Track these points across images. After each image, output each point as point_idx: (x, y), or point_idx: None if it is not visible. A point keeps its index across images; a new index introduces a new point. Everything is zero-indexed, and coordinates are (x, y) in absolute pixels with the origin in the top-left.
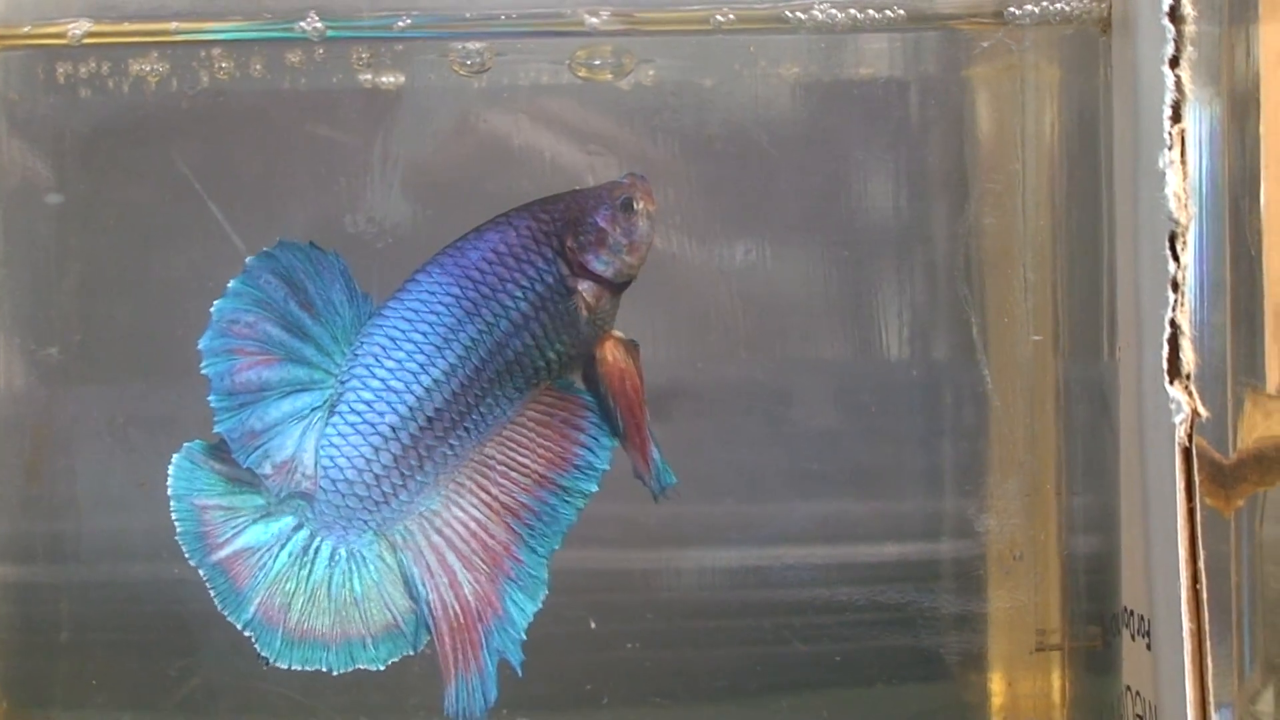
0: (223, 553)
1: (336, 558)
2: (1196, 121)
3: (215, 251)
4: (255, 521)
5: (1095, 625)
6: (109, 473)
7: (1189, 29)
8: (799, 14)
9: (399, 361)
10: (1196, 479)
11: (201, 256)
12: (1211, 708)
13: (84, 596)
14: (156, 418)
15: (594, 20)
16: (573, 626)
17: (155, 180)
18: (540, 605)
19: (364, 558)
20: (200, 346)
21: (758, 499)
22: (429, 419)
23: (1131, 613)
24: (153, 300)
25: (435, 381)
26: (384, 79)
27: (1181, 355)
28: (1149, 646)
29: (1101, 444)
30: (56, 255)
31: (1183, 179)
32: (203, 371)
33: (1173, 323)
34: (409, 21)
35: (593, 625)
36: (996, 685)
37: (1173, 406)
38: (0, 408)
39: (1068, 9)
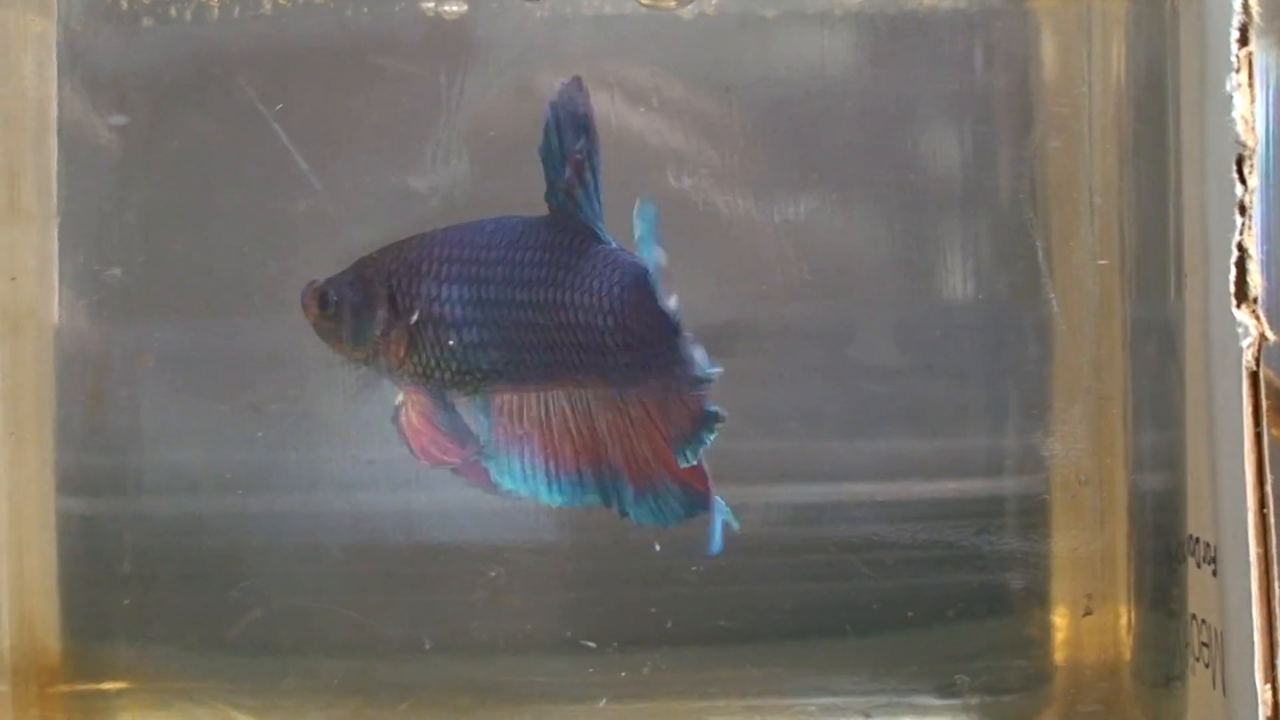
0: None
1: None
2: (1264, 47)
3: (278, 182)
4: None
5: (1162, 564)
6: (171, 404)
7: None
8: None
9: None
10: (1264, 402)
11: (264, 187)
12: (1279, 634)
13: (145, 529)
14: (218, 348)
15: None
16: (639, 559)
17: (217, 109)
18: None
19: None
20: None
21: (822, 434)
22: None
23: (1197, 540)
24: (215, 231)
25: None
26: (447, 7)
27: (1248, 279)
28: (1215, 574)
29: (1167, 377)
30: (119, 184)
31: (1250, 102)
32: None
33: (1240, 246)
34: None
35: (657, 548)
36: (1060, 619)
37: (1239, 330)
38: (63, 340)
39: None
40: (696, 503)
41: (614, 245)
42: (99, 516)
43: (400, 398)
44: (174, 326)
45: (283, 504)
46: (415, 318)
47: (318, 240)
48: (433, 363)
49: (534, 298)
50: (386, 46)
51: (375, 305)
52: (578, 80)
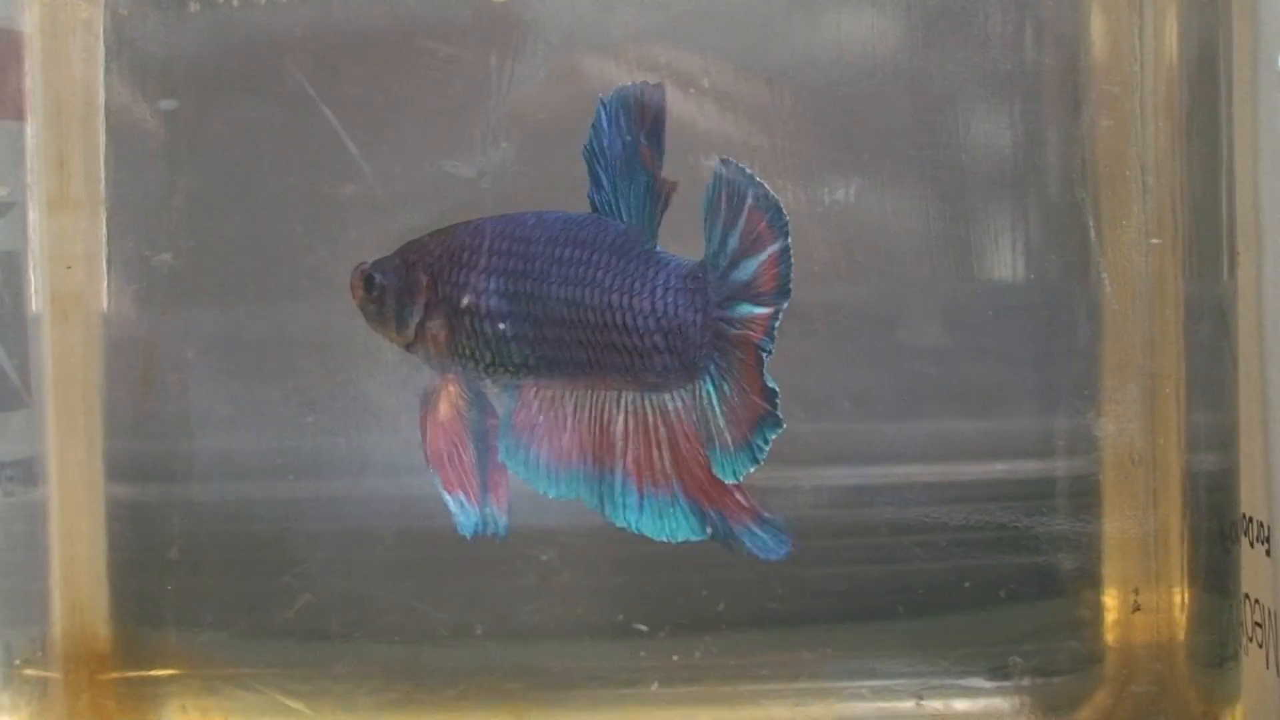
0: None
1: None
2: None
3: (326, 167)
4: None
5: (1216, 544)
6: (220, 390)
7: None
8: None
9: None
10: None
11: (313, 172)
12: None
13: (195, 515)
14: (267, 333)
15: None
16: (691, 543)
17: (264, 94)
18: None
19: None
20: None
21: (873, 416)
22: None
23: (1251, 520)
24: (263, 216)
25: None
26: None
27: None
28: (1269, 553)
29: (1220, 356)
30: (167, 170)
31: None
32: None
33: None
34: None
35: (709, 531)
36: (1112, 600)
37: None
38: (112, 326)
39: None
40: (704, 525)
41: (659, 248)
42: (148, 503)
43: (436, 382)
44: (223, 312)
45: (332, 489)
46: (465, 302)
47: (367, 224)
48: (469, 352)
49: (572, 295)
50: (434, 30)
51: (417, 291)
52: (660, 87)
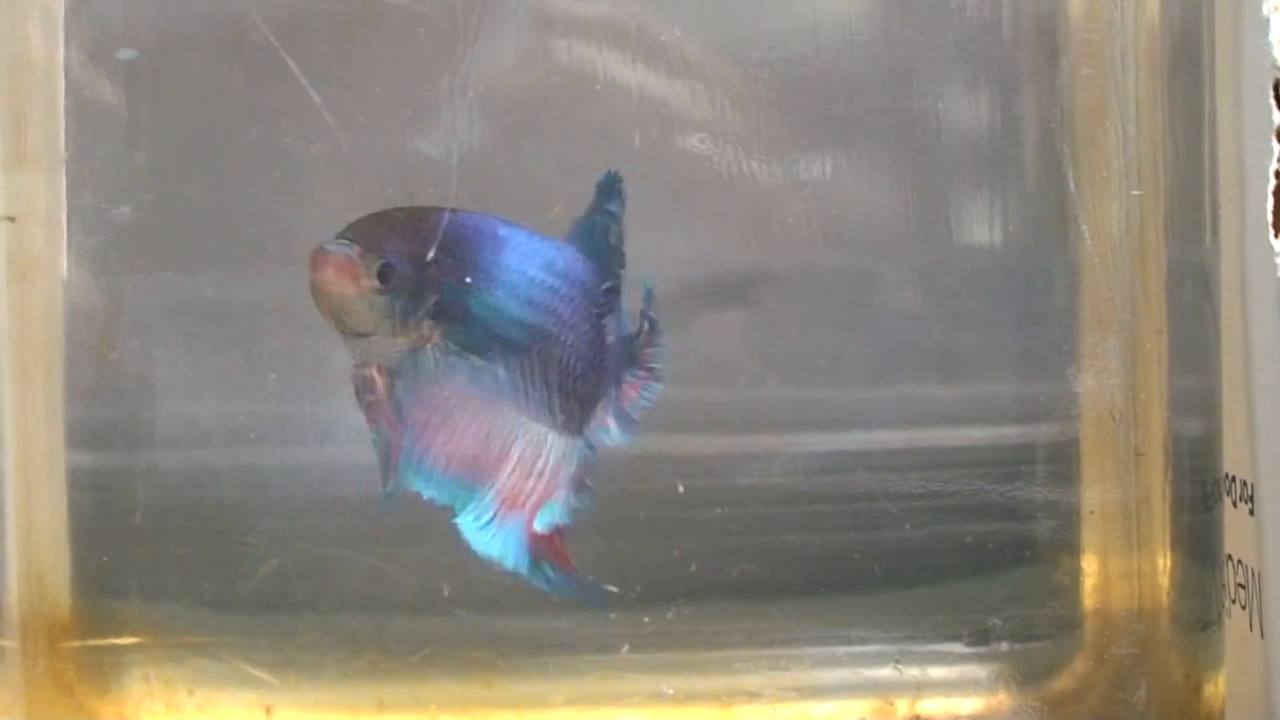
0: None
1: None
2: None
3: (291, 123)
4: None
5: (1198, 504)
6: (183, 354)
7: None
8: None
9: None
10: None
11: (277, 129)
12: None
13: (157, 482)
14: (231, 296)
15: None
16: (663, 505)
17: (227, 48)
18: None
19: None
20: None
21: (848, 381)
22: None
23: (1234, 479)
24: (226, 176)
25: None
26: None
27: None
28: (1252, 512)
29: (1202, 309)
30: (129, 126)
31: None
32: None
33: (1277, 174)
34: None
35: (681, 490)
36: (1091, 564)
37: (1278, 260)
38: (72, 289)
39: None
40: (536, 571)
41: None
42: (110, 469)
43: (362, 368)
44: (185, 273)
45: (297, 454)
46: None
47: (333, 183)
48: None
49: (533, 319)
50: None
51: (428, 289)
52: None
